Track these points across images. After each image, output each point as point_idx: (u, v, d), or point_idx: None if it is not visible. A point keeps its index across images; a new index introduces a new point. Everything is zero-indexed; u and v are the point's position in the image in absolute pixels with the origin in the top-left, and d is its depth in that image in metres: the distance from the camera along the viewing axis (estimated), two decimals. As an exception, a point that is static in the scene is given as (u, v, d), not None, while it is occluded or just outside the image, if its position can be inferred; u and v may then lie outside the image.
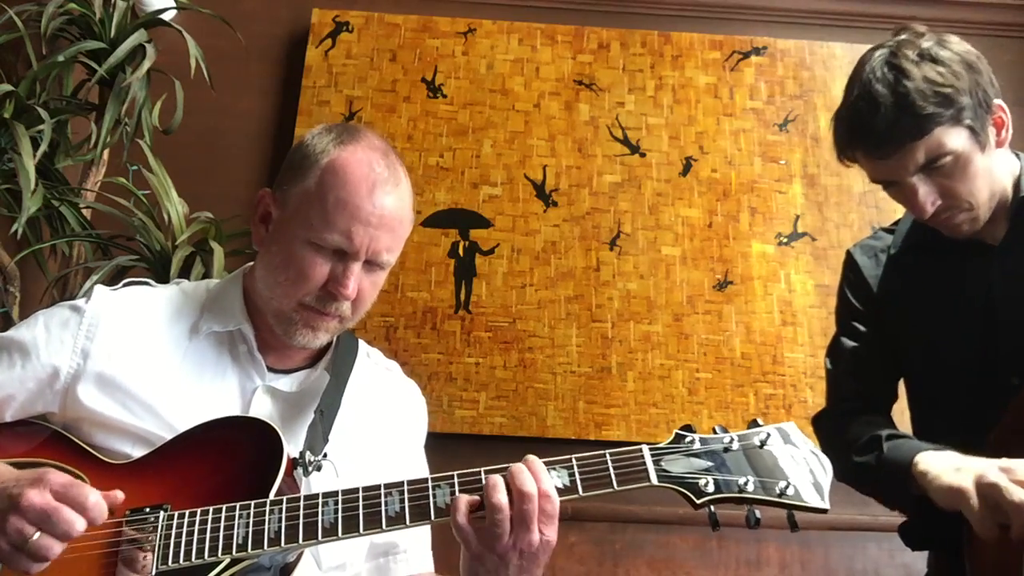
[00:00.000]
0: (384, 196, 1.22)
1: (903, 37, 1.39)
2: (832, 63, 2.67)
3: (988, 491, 1.16)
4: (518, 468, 1.05)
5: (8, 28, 2.14)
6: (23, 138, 1.93)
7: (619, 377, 2.40)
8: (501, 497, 1.03)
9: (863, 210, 2.56)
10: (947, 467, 1.24)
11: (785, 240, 2.53)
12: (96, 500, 1.00)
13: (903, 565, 2.23)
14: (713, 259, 2.51)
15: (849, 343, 1.59)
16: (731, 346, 2.43)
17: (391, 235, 1.23)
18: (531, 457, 1.08)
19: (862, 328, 1.58)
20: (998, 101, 1.39)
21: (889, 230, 1.61)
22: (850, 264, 1.63)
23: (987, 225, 1.42)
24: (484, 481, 1.05)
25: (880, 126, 1.33)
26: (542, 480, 1.05)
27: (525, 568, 1.06)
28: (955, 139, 1.33)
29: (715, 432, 1.11)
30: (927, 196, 1.36)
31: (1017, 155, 1.47)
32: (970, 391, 1.42)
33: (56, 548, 0.98)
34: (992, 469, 1.18)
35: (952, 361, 1.46)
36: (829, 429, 1.57)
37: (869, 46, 1.44)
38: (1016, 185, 1.43)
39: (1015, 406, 1.27)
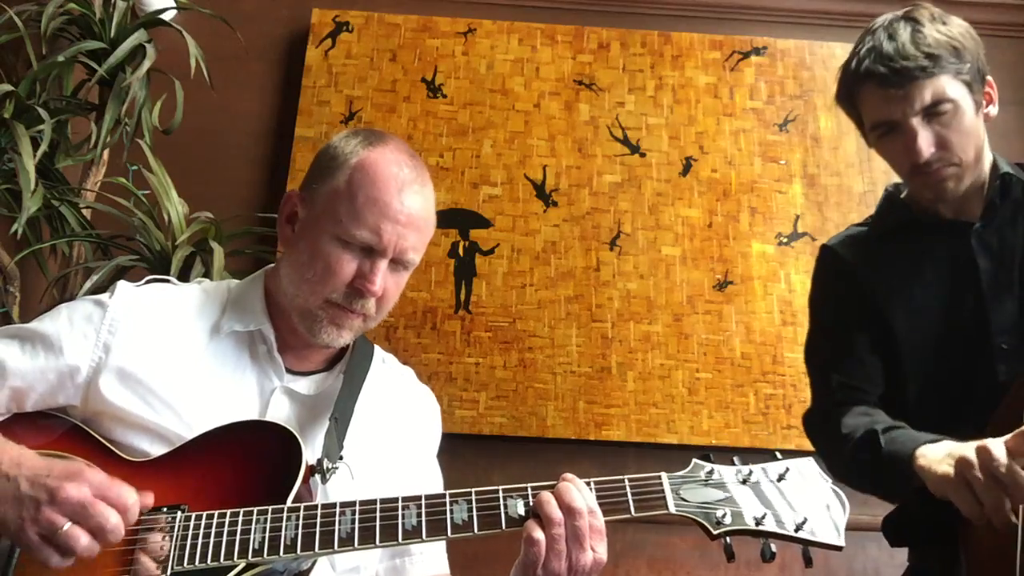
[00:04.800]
0: (412, 195, 1.25)
1: (914, 6, 1.48)
2: (832, 63, 2.66)
3: (965, 470, 1.16)
4: (565, 486, 1.06)
5: (8, 28, 2.14)
6: (23, 138, 1.93)
7: (619, 377, 2.40)
8: (557, 512, 1.04)
9: (863, 210, 2.55)
10: (941, 456, 1.24)
11: (785, 240, 2.54)
12: (135, 500, 1.02)
13: (903, 565, 2.22)
14: (713, 259, 2.51)
15: (829, 336, 1.60)
16: (731, 346, 2.43)
17: (417, 234, 1.26)
18: (570, 475, 1.08)
19: (844, 318, 1.57)
20: (989, 78, 1.48)
21: (862, 224, 1.65)
22: (830, 255, 1.64)
23: (967, 204, 1.48)
24: (502, 501, 1.06)
25: (896, 56, 1.41)
26: (588, 497, 1.06)
27: None
28: (957, 89, 1.42)
29: (734, 463, 1.12)
30: (925, 140, 1.41)
31: (994, 154, 1.52)
32: (960, 365, 1.44)
33: (84, 540, 0.99)
34: (971, 451, 1.18)
35: (939, 338, 1.47)
36: (821, 427, 1.56)
37: None
38: (993, 167, 1.49)
39: (1006, 401, 1.28)
